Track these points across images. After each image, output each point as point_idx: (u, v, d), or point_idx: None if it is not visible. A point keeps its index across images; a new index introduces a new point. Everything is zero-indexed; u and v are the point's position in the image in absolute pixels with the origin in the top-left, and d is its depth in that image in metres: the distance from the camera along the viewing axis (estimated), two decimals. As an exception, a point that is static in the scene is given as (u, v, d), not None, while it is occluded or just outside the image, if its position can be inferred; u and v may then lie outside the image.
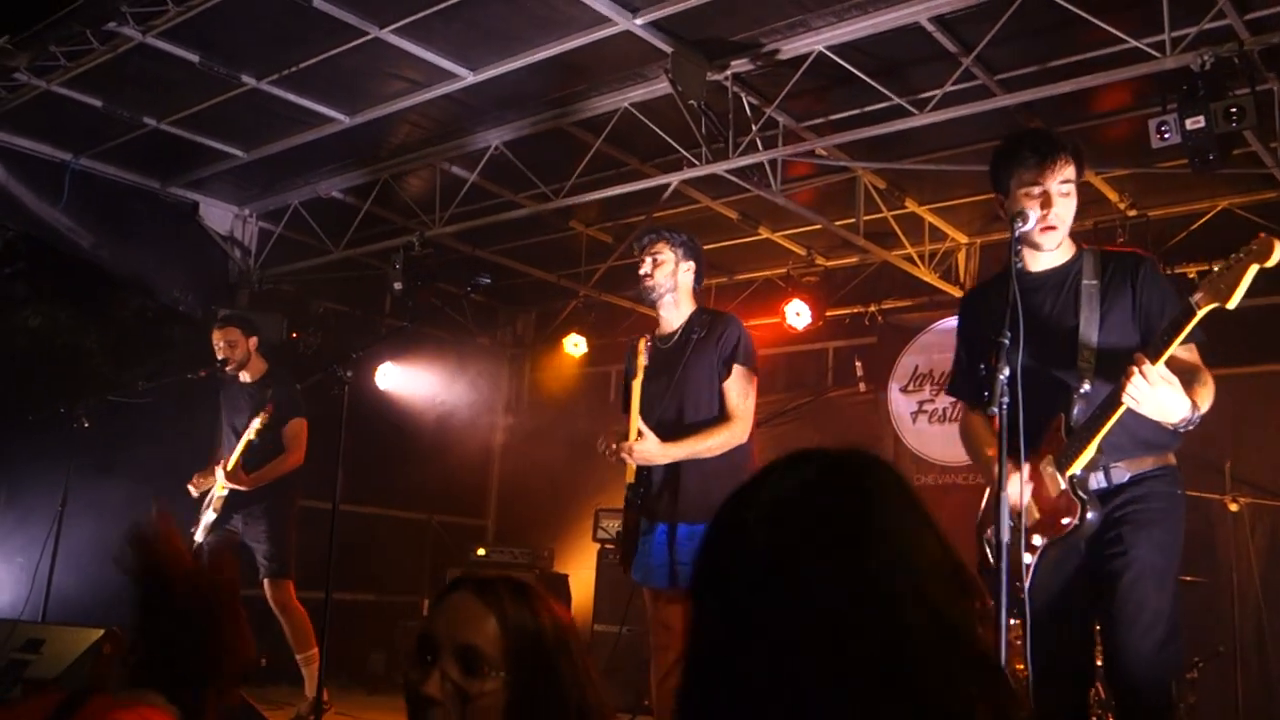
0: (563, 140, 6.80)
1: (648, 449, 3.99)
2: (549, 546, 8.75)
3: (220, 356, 6.13)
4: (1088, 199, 7.05)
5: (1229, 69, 4.75)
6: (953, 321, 7.77)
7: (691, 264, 4.31)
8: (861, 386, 7.63)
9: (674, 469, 4.01)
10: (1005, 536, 2.82)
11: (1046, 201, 3.18)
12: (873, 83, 5.76)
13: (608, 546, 8.14)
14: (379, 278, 8.44)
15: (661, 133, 6.39)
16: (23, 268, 7.20)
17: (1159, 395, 2.85)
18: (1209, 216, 6.99)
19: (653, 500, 4.08)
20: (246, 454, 5.88)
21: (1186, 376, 2.99)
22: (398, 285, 7.60)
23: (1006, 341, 2.90)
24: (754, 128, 6.12)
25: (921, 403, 7.98)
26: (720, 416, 4.08)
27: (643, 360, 4.30)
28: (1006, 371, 2.87)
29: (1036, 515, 3.07)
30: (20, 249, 7.20)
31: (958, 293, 8.04)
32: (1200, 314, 2.96)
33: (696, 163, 6.40)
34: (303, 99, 6.59)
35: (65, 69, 6.19)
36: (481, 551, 8.91)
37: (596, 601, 8.15)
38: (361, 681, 7.76)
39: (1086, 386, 3.05)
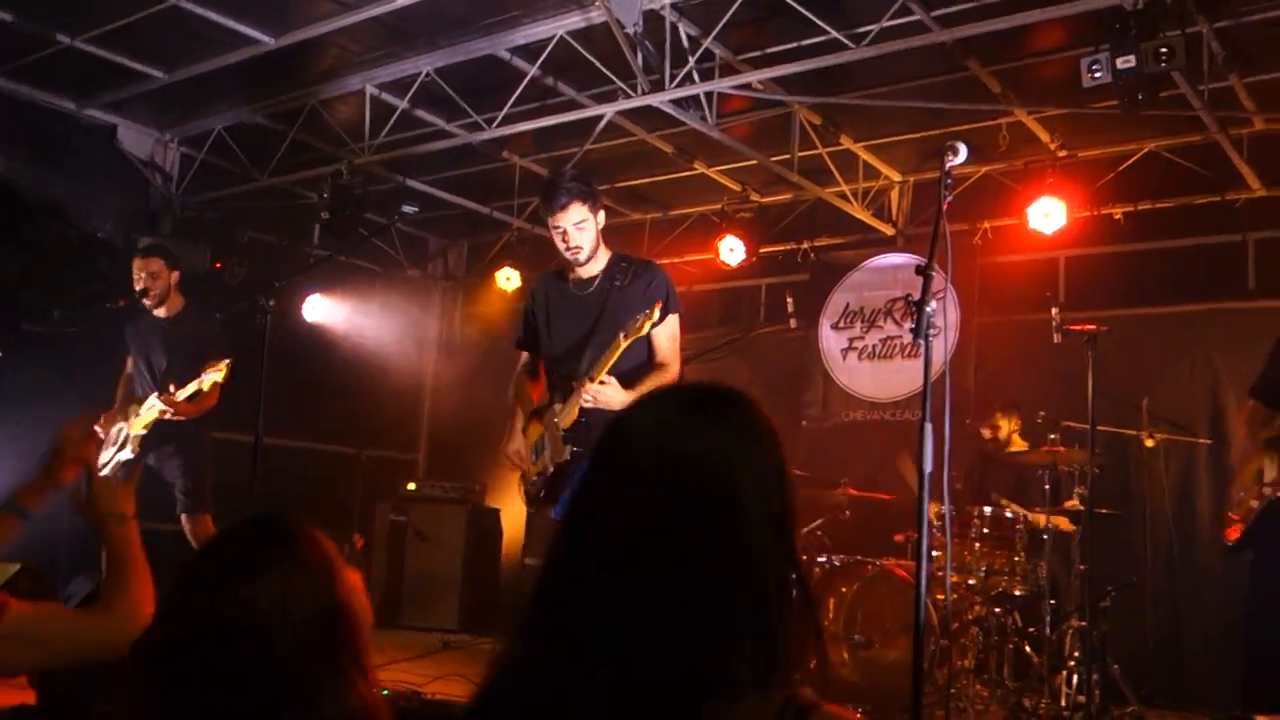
0: (496, 68, 6.66)
1: (609, 393, 4.00)
2: (481, 480, 8.73)
3: (140, 287, 5.94)
4: (1018, 138, 7.12)
5: (1160, 9, 4.78)
6: (885, 259, 7.95)
7: (601, 210, 4.31)
8: (793, 323, 7.66)
9: (599, 417, 4.03)
10: (928, 466, 2.87)
11: None
12: (809, 15, 5.70)
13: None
14: (306, 207, 8.25)
15: (597, 63, 6.28)
16: (-71, 189, 6.91)
17: None
18: (1136, 158, 7.09)
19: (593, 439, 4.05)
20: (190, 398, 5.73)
21: None
22: (325, 214, 7.45)
23: None
24: (691, 59, 6.05)
25: (852, 339, 8.06)
26: (653, 363, 4.16)
27: (550, 300, 4.35)
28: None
29: None
30: (-75, 170, 6.91)
31: (890, 231, 8.11)
32: None
33: (632, 94, 6.31)
34: (226, 18, 6.35)
35: (-29, -20, 5.91)
36: (412, 486, 8.88)
37: (528, 536, 8.16)
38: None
39: None
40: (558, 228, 4.20)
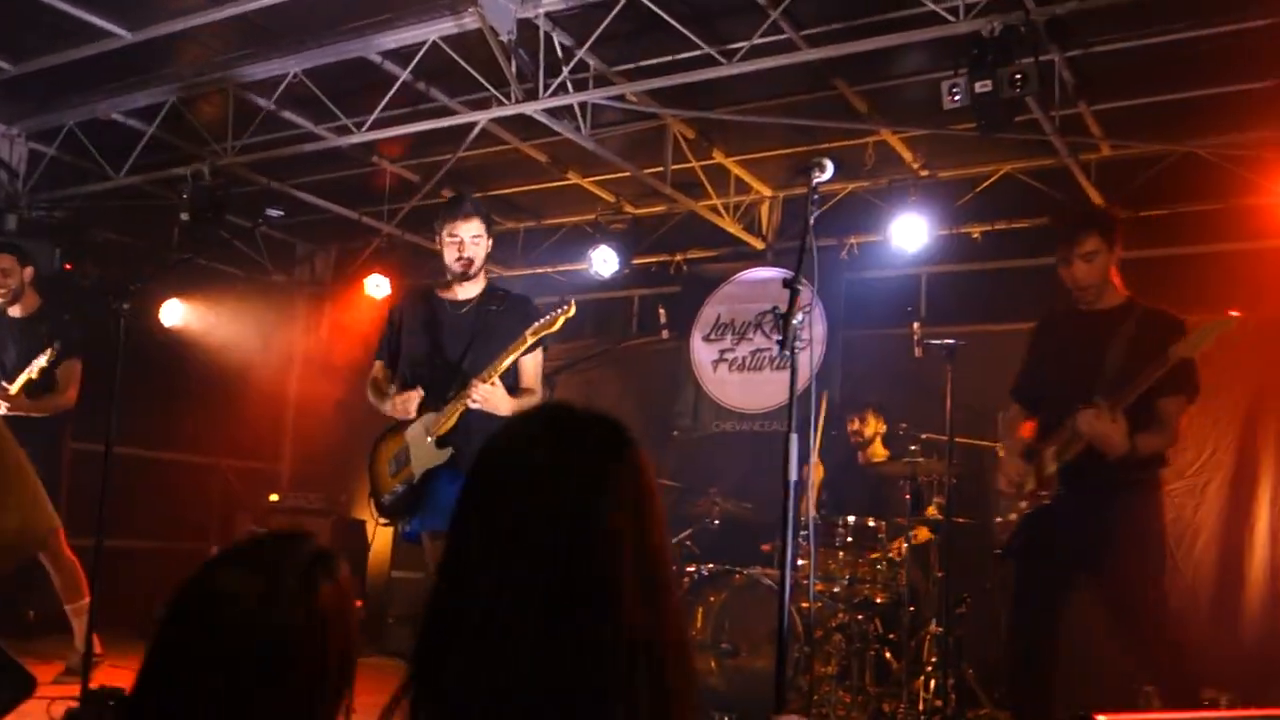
0: (367, 71, 6.53)
1: (499, 396, 4.12)
2: (346, 491, 8.54)
3: None
4: (883, 158, 7.33)
5: (1015, 37, 4.98)
6: (755, 273, 8.08)
7: (491, 239, 4.50)
8: (665, 334, 7.73)
9: (479, 424, 4.12)
10: (793, 475, 2.91)
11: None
12: (683, 29, 5.76)
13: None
14: (166, 208, 7.93)
15: (471, 69, 6.22)
16: None
17: (1104, 429, 3.82)
18: (993, 180, 7.36)
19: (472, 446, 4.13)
20: (26, 391, 5.49)
21: (1152, 425, 3.89)
22: (185, 216, 7.18)
23: None
24: (565, 69, 6.05)
25: (722, 351, 8.16)
26: (520, 387, 4.32)
27: (421, 316, 4.46)
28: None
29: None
30: None
31: (760, 245, 8.24)
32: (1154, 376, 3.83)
33: (506, 102, 6.28)
34: (77, 9, 6.09)
35: None
36: (274, 497, 8.63)
37: (394, 548, 8.03)
38: (145, 633, 7.39)
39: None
40: (455, 237, 4.35)
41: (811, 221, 3.17)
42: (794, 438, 2.92)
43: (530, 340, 4.14)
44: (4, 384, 5.50)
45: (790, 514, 2.96)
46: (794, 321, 2.94)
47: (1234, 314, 3.78)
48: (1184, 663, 3.86)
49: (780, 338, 2.97)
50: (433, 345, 4.40)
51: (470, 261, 4.35)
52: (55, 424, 5.62)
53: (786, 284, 3.02)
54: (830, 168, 3.29)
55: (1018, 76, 4.86)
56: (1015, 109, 5.12)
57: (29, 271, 5.81)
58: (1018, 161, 7.23)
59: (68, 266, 7.61)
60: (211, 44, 6.58)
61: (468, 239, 4.35)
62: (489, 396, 4.10)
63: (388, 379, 4.53)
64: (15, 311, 5.76)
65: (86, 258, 7.96)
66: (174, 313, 8.62)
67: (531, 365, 4.36)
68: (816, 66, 6.03)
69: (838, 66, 6.15)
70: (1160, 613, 3.94)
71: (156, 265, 7.40)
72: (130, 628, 7.23)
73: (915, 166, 7.36)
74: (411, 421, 4.32)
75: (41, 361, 5.45)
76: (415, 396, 4.30)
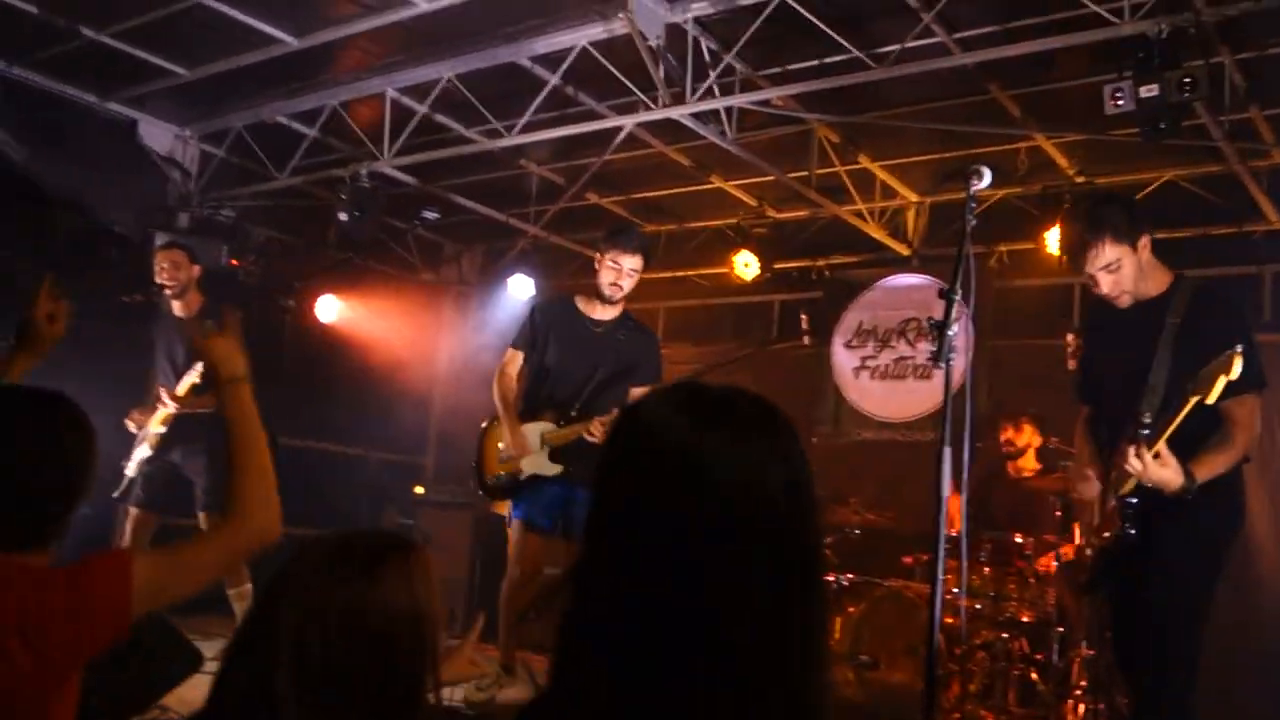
0: (517, 76, 6.67)
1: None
2: (487, 486, 8.71)
3: (161, 280, 5.95)
4: (1037, 163, 7.11)
5: (1184, 39, 4.78)
6: (900, 279, 7.93)
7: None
8: (806, 340, 7.65)
9: (590, 451, 4.56)
10: (945, 490, 2.85)
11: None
12: (832, 33, 5.71)
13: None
14: (323, 208, 8.25)
15: (619, 73, 6.29)
16: (-50, 179, 6.94)
17: (1154, 475, 3.07)
18: (1154, 187, 7.07)
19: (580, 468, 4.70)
20: (192, 389, 5.76)
21: (1207, 442, 3.21)
22: (343, 216, 7.45)
23: None
24: (711, 74, 6.05)
25: (864, 359, 8.05)
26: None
27: (562, 324, 4.90)
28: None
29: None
30: (-53, 160, 6.94)
31: (905, 251, 8.10)
32: (1189, 405, 3.04)
33: (653, 106, 6.32)
34: (249, 17, 6.37)
35: (-1, -27, 5.94)
36: (420, 490, 8.88)
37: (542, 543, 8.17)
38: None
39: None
40: (617, 265, 4.77)
41: (969, 229, 3.10)
42: (947, 451, 2.87)
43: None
44: (172, 388, 5.77)
45: (940, 528, 2.90)
46: (949, 332, 2.88)
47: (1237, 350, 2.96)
48: (1190, 693, 3.22)
49: (932, 347, 2.92)
50: (567, 355, 4.81)
51: (620, 289, 4.79)
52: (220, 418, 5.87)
53: (942, 293, 2.96)
54: (988, 175, 3.21)
55: (1186, 80, 4.66)
56: (1183, 114, 4.91)
57: (196, 270, 6.06)
58: (1181, 168, 6.92)
59: (234, 263, 7.97)
60: (370, 50, 6.81)
61: (626, 269, 4.77)
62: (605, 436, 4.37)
63: (518, 373, 4.97)
64: (179, 310, 6.01)
65: (250, 255, 8.33)
66: (329, 308, 8.95)
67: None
68: (969, 70, 5.89)
69: (991, 70, 5.99)
70: (1190, 627, 3.28)
71: (319, 264, 7.69)
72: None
73: (1071, 172, 7.11)
74: (536, 419, 4.76)
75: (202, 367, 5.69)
76: (532, 443, 4.75)
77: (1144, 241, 3.48)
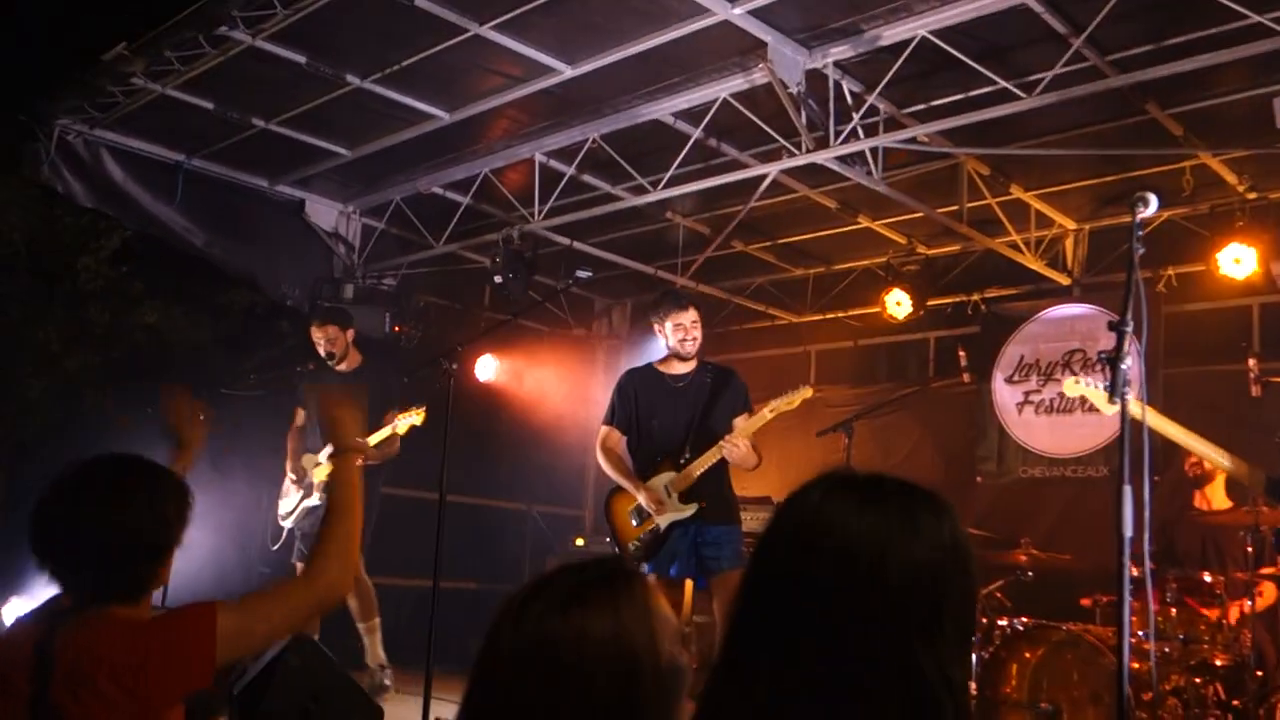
0: (660, 131, 6.78)
1: (744, 450, 4.99)
2: (646, 537, 8.75)
3: (324, 351, 6.36)
4: (1203, 182, 6.81)
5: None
6: (1061, 310, 7.68)
7: None
8: (965, 377, 7.48)
9: (709, 484, 5.09)
10: (1127, 531, 2.74)
11: None
12: (977, 66, 5.62)
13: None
14: (478, 271, 8.54)
15: (760, 122, 6.33)
16: (139, 266, 7.46)
17: None
18: (1334, 198, 6.69)
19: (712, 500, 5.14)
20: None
21: None
22: (498, 278, 7.68)
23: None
24: (855, 116, 6.03)
25: (1028, 393, 7.79)
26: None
27: (648, 390, 5.28)
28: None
29: None
30: (136, 248, 7.47)
31: (1065, 280, 7.85)
32: None
33: (796, 152, 6.32)
34: (404, 97, 6.69)
35: (179, 73, 6.39)
36: (580, 541, 8.98)
37: (693, 594, 8.13)
38: (464, 667, 7.86)
39: None
40: (680, 323, 5.19)
41: (1136, 259, 2.99)
42: (1127, 489, 2.75)
43: (769, 416, 5.00)
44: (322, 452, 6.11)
45: (1125, 568, 2.78)
46: (1123, 365, 2.78)
47: None
48: None
49: (1109, 382, 2.82)
50: (663, 414, 5.23)
51: (697, 341, 5.21)
52: (378, 471, 6.12)
53: (1113, 326, 2.86)
54: (1154, 202, 3.09)
55: (1365, 85, 4.40)
56: (1363, 121, 4.64)
57: (350, 333, 6.46)
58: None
59: (397, 329, 8.31)
60: (518, 118, 7.04)
61: (688, 323, 5.19)
62: (735, 449, 4.94)
63: (620, 444, 5.35)
64: (341, 367, 6.40)
65: (411, 320, 8.67)
66: (486, 367, 9.20)
67: (742, 423, 5.15)
68: (1124, 91, 5.71)
69: (1148, 89, 5.79)
70: None
71: (479, 326, 7.93)
72: (453, 661, 7.75)
73: (1241, 189, 6.78)
74: (655, 475, 5.12)
75: (414, 420, 6.02)
76: (662, 495, 5.10)
77: None
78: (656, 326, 5.32)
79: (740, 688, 1.30)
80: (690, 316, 5.23)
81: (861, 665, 1.25)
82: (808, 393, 5.02)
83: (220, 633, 2.03)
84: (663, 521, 5.10)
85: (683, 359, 5.27)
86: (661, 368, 5.37)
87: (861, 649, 1.26)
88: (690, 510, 5.06)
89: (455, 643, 7.81)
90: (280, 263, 8.32)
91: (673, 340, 5.24)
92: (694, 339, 5.23)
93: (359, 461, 2.42)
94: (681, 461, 5.12)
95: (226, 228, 7.90)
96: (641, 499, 5.14)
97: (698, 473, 5.05)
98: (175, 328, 7.51)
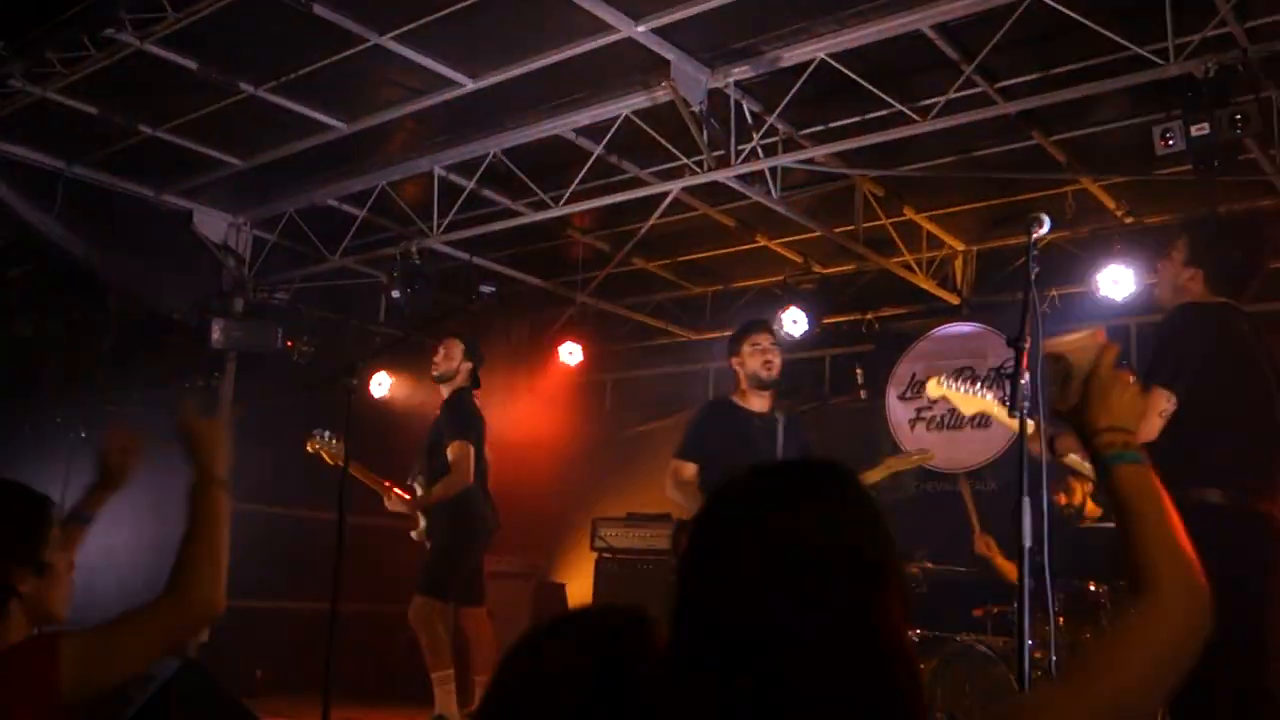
0: (562, 147, 6.78)
1: None
2: (545, 555, 8.71)
3: (437, 372, 6.18)
4: (1084, 207, 7.09)
5: (1232, 76, 4.77)
6: (951, 329, 7.90)
7: None
8: (862, 394, 7.62)
9: None
10: (1027, 541, 2.82)
11: None
12: (874, 89, 5.76)
13: (606, 556, 8.12)
14: (373, 286, 8.39)
15: (663, 140, 6.37)
16: (16, 276, 7.13)
17: None
18: (1205, 224, 7.01)
19: None
20: (429, 476, 6.03)
21: None
22: (395, 293, 7.56)
23: None
24: (755, 135, 6.12)
25: (919, 410, 7.99)
26: None
27: (731, 427, 4.94)
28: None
29: None
30: (13, 257, 7.14)
31: (954, 300, 8.07)
32: None
33: (697, 170, 6.39)
34: (301, 106, 6.55)
35: (61, 75, 6.13)
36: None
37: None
38: (360, 688, 7.69)
39: None
40: (758, 344, 4.99)
41: (1033, 277, 3.09)
42: (1026, 501, 2.83)
43: (884, 474, 5.21)
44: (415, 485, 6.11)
45: (1025, 580, 2.86)
46: (1021, 381, 2.86)
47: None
48: None
49: (1007, 398, 2.90)
50: (740, 453, 4.74)
51: (775, 364, 4.97)
52: (460, 502, 5.93)
53: (1010, 342, 2.95)
54: (1048, 223, 3.20)
55: (1238, 117, 4.64)
56: (1237, 150, 4.89)
57: (468, 366, 6.18)
58: (1232, 203, 6.85)
59: (289, 344, 8.09)
60: (417, 130, 6.95)
61: (767, 345, 4.99)
62: None
63: (695, 478, 4.93)
64: (444, 391, 6.18)
65: (303, 335, 8.46)
66: (381, 385, 9.04)
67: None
68: (1011, 118, 5.92)
69: (1034, 117, 6.02)
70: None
71: (374, 342, 7.78)
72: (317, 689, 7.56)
73: (1119, 214, 7.08)
74: None
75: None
76: None
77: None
78: (733, 361, 5.08)
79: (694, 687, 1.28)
80: (769, 339, 5.04)
81: (822, 650, 1.23)
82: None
83: (64, 666, 1.87)
84: None
85: (761, 389, 5.01)
86: (740, 402, 5.09)
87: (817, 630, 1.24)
88: None
89: (358, 668, 7.68)
90: (165, 275, 8.03)
91: (751, 364, 5.00)
92: (774, 362, 5.00)
93: (224, 487, 2.18)
94: None
95: (108, 238, 7.58)
96: None
97: None
98: (55, 342, 7.19)
